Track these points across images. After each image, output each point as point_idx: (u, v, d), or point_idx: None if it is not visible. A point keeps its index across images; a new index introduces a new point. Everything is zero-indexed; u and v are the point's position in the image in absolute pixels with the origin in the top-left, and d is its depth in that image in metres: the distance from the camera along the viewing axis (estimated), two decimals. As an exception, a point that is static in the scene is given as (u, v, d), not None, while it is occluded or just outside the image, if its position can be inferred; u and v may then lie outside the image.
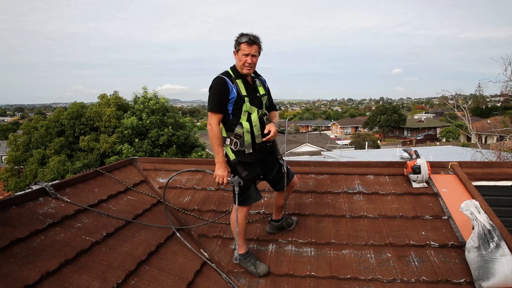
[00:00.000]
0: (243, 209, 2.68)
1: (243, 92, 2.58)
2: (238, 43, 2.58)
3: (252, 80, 2.70)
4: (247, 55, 2.56)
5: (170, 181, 3.29)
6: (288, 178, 2.84)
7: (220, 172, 2.60)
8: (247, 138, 2.58)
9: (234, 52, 2.63)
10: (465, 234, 2.77)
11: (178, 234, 2.93)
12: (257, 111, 2.62)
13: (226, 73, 2.63)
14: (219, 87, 2.57)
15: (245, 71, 2.62)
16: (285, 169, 2.81)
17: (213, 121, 2.58)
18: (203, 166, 4.11)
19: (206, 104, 2.69)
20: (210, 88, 2.61)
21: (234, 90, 2.57)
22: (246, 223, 2.75)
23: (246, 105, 2.58)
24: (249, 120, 2.60)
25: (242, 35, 2.58)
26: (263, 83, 2.78)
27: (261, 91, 2.71)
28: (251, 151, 2.60)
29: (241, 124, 2.59)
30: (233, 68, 2.67)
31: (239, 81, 2.60)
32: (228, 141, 2.63)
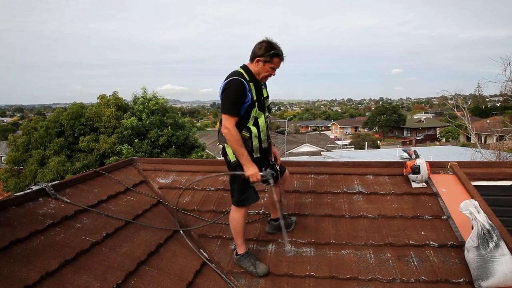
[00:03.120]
0: (242, 209, 2.68)
1: (255, 97, 2.56)
2: (271, 55, 2.50)
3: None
4: (274, 69, 2.57)
5: (190, 184, 3.18)
6: (280, 172, 2.86)
7: (251, 171, 2.51)
8: (255, 143, 2.58)
9: (258, 59, 2.52)
10: (465, 234, 2.77)
11: (184, 236, 2.93)
12: (264, 115, 2.64)
13: (240, 75, 2.52)
14: (239, 91, 2.46)
15: (263, 80, 2.62)
16: (278, 166, 2.84)
17: (230, 124, 2.48)
18: (203, 166, 4.12)
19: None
20: (229, 90, 2.47)
21: (249, 94, 2.51)
22: (245, 223, 2.76)
23: (255, 110, 2.57)
24: (255, 124, 2.59)
25: (274, 47, 2.52)
26: (265, 85, 2.78)
27: (265, 93, 2.72)
28: (258, 155, 2.61)
29: (248, 128, 2.56)
30: (246, 70, 2.58)
31: (251, 84, 2.56)
32: None
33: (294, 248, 2.87)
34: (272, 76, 2.62)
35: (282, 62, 2.60)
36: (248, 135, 2.56)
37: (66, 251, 2.24)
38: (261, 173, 2.54)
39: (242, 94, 2.48)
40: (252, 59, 2.58)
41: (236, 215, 2.69)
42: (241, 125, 2.57)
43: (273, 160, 2.85)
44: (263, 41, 2.54)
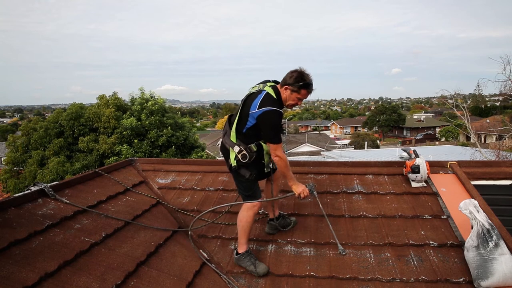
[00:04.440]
0: (254, 208, 2.71)
1: None
2: (299, 86, 2.55)
3: None
4: (301, 99, 2.62)
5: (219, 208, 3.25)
6: (272, 169, 2.90)
7: (301, 188, 2.71)
8: (267, 159, 2.73)
9: (287, 87, 2.58)
10: (464, 234, 2.77)
11: (184, 236, 2.92)
12: None
13: (278, 105, 2.56)
14: (280, 121, 2.58)
15: (289, 107, 2.69)
16: (270, 166, 2.89)
17: (280, 152, 2.59)
18: (203, 166, 4.11)
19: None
20: (272, 120, 2.53)
21: None
22: (253, 222, 2.79)
23: None
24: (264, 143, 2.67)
25: (305, 78, 2.56)
26: None
27: None
28: (269, 169, 2.75)
29: (261, 145, 2.64)
30: (278, 95, 2.61)
31: None
32: (237, 149, 2.63)
33: (294, 248, 2.87)
34: (298, 105, 2.70)
35: (309, 94, 2.65)
36: (255, 149, 2.64)
37: (66, 252, 2.24)
38: (307, 188, 2.75)
39: (281, 123, 2.61)
40: (282, 85, 2.62)
41: (247, 214, 2.71)
42: (254, 139, 2.63)
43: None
44: (295, 71, 2.59)
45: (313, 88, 2.65)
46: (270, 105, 2.51)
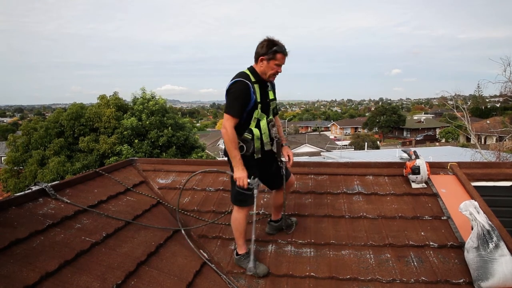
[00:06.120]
0: (244, 209, 2.69)
1: (258, 99, 2.57)
2: (273, 52, 2.50)
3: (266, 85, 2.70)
4: (279, 65, 2.57)
5: (186, 182, 3.31)
6: (285, 176, 2.86)
7: (240, 174, 2.53)
8: (257, 144, 2.60)
9: (262, 58, 2.53)
10: (464, 235, 2.77)
11: (184, 236, 2.93)
12: (266, 118, 2.64)
13: (246, 77, 2.54)
14: (243, 93, 2.49)
15: (271, 78, 2.63)
16: (284, 171, 2.83)
17: (229, 124, 2.50)
18: (203, 166, 4.11)
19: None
20: (233, 92, 2.51)
21: (253, 96, 2.53)
22: (246, 223, 2.76)
23: (257, 112, 2.58)
24: (257, 126, 2.60)
25: (276, 43, 2.52)
26: (273, 87, 2.78)
27: (271, 95, 2.71)
28: (260, 156, 2.63)
29: (250, 130, 2.58)
30: (253, 71, 2.59)
31: (256, 86, 2.56)
32: None
33: (294, 249, 2.87)
34: (279, 72, 2.62)
35: (286, 57, 2.60)
36: (250, 137, 2.58)
37: (66, 251, 2.24)
38: (248, 180, 2.53)
39: (246, 96, 2.51)
40: (256, 59, 2.58)
41: (238, 215, 2.70)
42: (243, 126, 2.58)
43: (285, 159, 2.82)
44: (264, 40, 2.55)
45: (287, 50, 2.58)
46: (237, 77, 2.52)
